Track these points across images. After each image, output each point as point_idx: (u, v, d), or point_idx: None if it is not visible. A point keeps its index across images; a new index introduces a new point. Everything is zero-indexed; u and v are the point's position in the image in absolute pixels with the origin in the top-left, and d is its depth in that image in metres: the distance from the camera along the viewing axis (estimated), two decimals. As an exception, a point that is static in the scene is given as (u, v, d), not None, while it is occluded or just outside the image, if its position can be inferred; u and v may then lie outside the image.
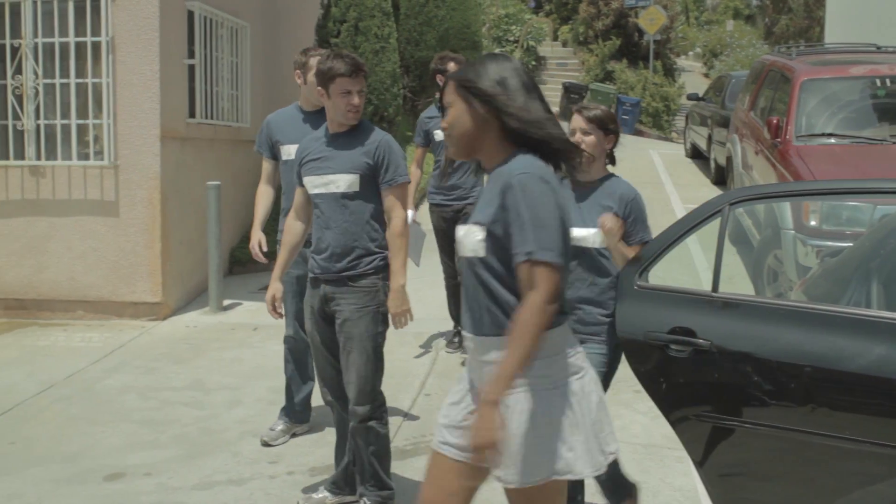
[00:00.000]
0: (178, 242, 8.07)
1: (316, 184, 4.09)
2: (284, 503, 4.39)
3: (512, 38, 24.20)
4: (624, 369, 3.59)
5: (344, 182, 4.03)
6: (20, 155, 7.88)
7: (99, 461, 4.94)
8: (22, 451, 5.10)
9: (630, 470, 4.68)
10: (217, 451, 5.03)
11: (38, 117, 7.86)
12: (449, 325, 7.26)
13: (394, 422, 5.32)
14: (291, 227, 4.29)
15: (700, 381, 3.24)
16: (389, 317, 4.08)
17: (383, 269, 4.09)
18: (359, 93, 4.04)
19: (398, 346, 6.81)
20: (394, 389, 5.84)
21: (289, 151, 5.01)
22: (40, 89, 7.82)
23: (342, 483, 4.35)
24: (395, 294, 4.02)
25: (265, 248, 5.22)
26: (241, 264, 9.43)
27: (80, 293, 7.87)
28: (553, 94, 24.06)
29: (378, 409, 4.08)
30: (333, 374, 4.19)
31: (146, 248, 7.76)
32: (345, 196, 4.03)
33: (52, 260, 7.88)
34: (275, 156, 5.21)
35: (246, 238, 9.38)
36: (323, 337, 4.16)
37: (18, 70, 7.83)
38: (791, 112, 8.39)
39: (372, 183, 4.06)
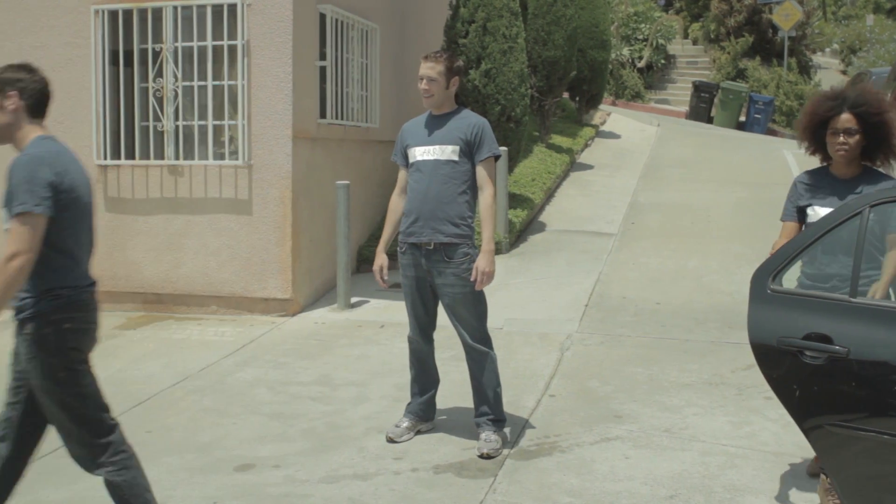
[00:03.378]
0: (307, 240, 8.23)
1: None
2: (408, 499, 4.43)
3: (641, 37, 23.88)
4: (755, 374, 3.49)
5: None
6: (160, 155, 8.18)
7: (230, 452, 5.09)
8: (158, 439, 5.30)
9: (759, 478, 4.56)
10: (343, 446, 5.11)
11: (176, 118, 8.14)
12: (573, 326, 7.20)
13: (517, 423, 5.32)
14: None
15: (836, 390, 3.13)
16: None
17: None
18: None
19: (522, 346, 6.79)
20: (518, 391, 5.83)
21: (414, 154, 5.03)
22: (179, 91, 8.10)
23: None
24: None
25: (386, 276, 5.12)
26: (368, 262, 9.51)
27: (214, 288, 8.11)
28: (683, 93, 23.64)
29: None
30: None
31: (277, 245, 7.95)
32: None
33: (188, 256, 8.15)
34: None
35: (374, 237, 9.52)
36: None
37: (159, 73, 8.14)
38: (936, 110, 8.03)
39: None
